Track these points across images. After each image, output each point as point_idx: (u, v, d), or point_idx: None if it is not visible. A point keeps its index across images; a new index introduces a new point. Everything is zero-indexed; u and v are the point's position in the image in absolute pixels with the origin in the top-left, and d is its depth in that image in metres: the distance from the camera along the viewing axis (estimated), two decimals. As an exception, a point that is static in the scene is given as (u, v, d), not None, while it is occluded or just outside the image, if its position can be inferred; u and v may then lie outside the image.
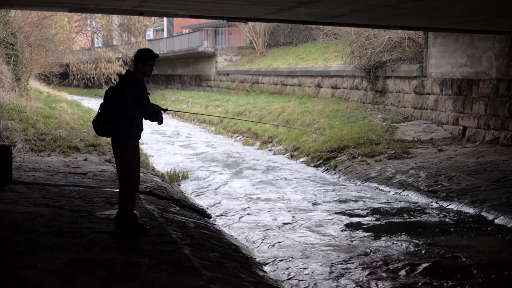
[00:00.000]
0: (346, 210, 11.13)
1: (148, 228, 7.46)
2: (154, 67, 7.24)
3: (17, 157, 12.67)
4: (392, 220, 10.42)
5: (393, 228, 9.86)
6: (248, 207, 11.53)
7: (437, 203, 11.68)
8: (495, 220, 10.31)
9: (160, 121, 7.30)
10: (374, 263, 8.06)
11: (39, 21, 28.37)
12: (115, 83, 7.31)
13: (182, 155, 18.93)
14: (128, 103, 6.99)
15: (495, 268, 7.81)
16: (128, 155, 7.14)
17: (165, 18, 62.27)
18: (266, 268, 7.85)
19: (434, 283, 7.33)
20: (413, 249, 8.65)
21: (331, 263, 8.06)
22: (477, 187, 11.94)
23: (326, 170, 15.78)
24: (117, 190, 7.59)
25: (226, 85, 40.04)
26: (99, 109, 7.15)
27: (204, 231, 8.65)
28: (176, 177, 14.25)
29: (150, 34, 64.23)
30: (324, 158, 16.56)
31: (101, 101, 7.21)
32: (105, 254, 6.40)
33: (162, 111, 7.33)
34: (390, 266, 7.89)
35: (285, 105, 25.77)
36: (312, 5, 9.88)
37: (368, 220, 10.43)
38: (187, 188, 13.64)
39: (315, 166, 16.36)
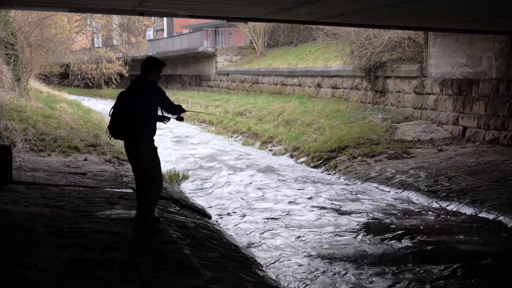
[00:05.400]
0: (346, 211, 11.13)
1: (160, 228, 7.53)
2: None
3: (17, 157, 12.67)
4: (393, 220, 10.43)
5: (393, 228, 9.87)
6: (248, 207, 11.53)
7: (437, 203, 11.68)
8: (495, 220, 10.30)
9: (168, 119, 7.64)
10: (373, 264, 8.05)
11: (39, 21, 28.39)
12: (130, 87, 7.36)
13: (182, 155, 18.92)
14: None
15: (495, 268, 7.81)
16: (157, 156, 7.31)
17: (165, 18, 62.29)
18: (266, 268, 7.85)
19: (434, 283, 7.33)
20: (413, 250, 8.65)
21: (332, 263, 8.07)
22: (477, 187, 11.94)
23: (326, 170, 15.78)
24: (117, 190, 7.62)
25: (226, 85, 40.06)
26: (115, 112, 7.13)
27: (204, 231, 8.65)
28: (176, 177, 14.25)
29: (150, 34, 64.27)
30: (324, 158, 16.55)
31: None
32: (105, 254, 6.40)
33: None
34: (391, 267, 7.89)
35: (285, 105, 25.77)
36: (312, 5, 9.88)
37: (368, 220, 10.44)
38: (187, 188, 13.64)
39: (315, 166, 16.36)
